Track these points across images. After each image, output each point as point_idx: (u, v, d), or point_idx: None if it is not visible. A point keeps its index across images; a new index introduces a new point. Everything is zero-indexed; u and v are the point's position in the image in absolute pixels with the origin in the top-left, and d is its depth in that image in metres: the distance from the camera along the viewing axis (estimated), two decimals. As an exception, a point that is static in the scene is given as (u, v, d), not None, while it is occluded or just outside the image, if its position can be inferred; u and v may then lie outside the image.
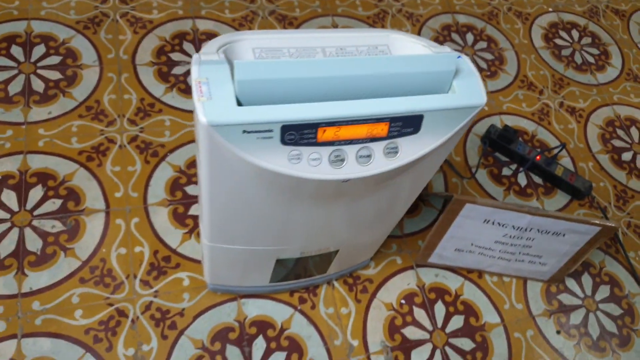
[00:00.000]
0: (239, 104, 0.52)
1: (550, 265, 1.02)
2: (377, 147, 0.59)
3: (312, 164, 0.57)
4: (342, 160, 0.58)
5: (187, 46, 1.21)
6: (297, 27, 1.31)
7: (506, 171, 1.20)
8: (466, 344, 0.97)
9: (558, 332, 1.02)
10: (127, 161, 1.02)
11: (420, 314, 0.98)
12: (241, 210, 0.66)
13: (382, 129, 0.57)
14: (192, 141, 1.08)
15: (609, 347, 1.02)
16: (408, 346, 0.95)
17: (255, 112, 0.51)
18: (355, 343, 0.93)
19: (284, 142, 0.54)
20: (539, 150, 1.23)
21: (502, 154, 1.22)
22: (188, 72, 1.16)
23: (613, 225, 0.93)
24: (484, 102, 0.59)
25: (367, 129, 0.56)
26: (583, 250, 0.98)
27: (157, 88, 1.13)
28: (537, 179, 1.21)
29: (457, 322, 0.99)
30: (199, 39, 1.23)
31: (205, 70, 0.53)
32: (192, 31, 1.23)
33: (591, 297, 1.08)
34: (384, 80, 0.56)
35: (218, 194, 0.63)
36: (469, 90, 0.59)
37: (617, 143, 1.33)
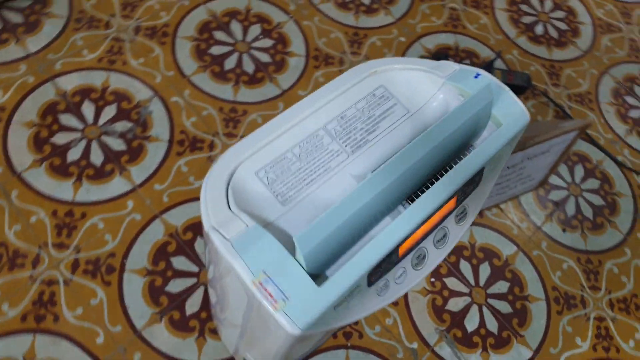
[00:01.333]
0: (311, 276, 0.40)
1: (537, 177, 1.04)
2: (450, 222, 0.50)
3: (398, 281, 0.47)
4: (424, 257, 0.49)
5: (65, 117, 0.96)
6: (174, 36, 1.09)
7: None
8: (502, 286, 0.99)
9: (564, 231, 1.07)
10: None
11: (452, 282, 0.97)
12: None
13: (451, 203, 0.48)
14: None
15: (605, 221, 1.10)
16: (458, 319, 0.94)
17: (339, 282, 0.40)
18: (415, 345, 0.91)
19: (370, 284, 0.44)
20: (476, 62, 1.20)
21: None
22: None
23: (587, 122, 0.94)
24: (529, 118, 0.52)
25: (439, 214, 0.47)
26: (563, 152, 1.00)
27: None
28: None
29: (484, 271, 0.99)
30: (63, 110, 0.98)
31: (252, 257, 0.39)
32: (58, 97, 0.98)
33: (573, 183, 1.13)
34: (434, 151, 0.46)
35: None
36: (509, 111, 0.51)
37: (526, 19, 1.33)
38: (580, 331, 0.97)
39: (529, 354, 0.93)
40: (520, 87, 1.17)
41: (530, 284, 1.00)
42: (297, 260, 0.40)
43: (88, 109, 0.99)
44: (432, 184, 0.46)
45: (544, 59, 1.27)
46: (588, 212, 1.10)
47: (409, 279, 0.48)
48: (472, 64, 1.19)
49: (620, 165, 1.16)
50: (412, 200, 0.46)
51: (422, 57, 1.18)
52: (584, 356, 0.95)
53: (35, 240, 0.87)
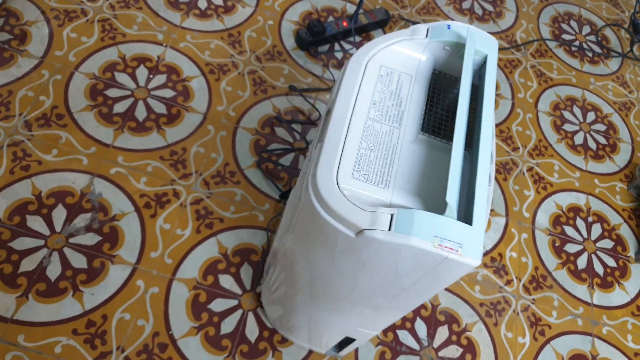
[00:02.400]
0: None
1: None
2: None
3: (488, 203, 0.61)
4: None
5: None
6: (70, 114, 1.03)
7: (322, 48, 1.29)
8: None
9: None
10: None
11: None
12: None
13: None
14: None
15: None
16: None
17: (479, 218, 0.52)
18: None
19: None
20: (342, 18, 1.32)
21: (320, 45, 1.28)
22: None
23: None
24: (497, 42, 0.66)
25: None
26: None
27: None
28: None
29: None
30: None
31: (418, 231, 0.49)
32: None
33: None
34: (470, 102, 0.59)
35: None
36: (485, 42, 0.65)
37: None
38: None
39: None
40: (383, 20, 1.34)
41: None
42: (447, 216, 0.50)
43: (36, 222, 0.92)
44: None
45: (382, -10, 1.45)
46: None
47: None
48: (335, 19, 1.32)
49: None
50: (470, 146, 0.59)
51: (298, 30, 1.27)
52: None
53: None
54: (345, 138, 0.57)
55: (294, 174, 1.10)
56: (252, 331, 0.92)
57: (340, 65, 1.28)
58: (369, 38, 1.35)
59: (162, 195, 1.00)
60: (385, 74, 0.64)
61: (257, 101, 1.16)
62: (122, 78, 1.11)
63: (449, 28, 0.64)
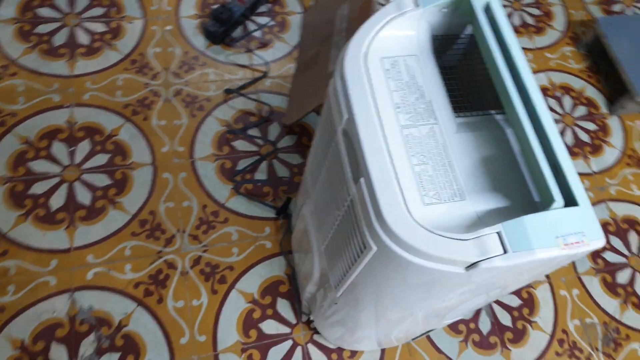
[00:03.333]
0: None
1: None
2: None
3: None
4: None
5: None
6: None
7: (237, 34, 1.14)
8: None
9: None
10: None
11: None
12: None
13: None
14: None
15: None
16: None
17: (581, 195, 0.45)
18: None
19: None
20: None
21: (232, 31, 1.13)
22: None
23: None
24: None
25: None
26: None
27: None
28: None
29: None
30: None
31: (537, 240, 0.42)
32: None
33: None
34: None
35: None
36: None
37: None
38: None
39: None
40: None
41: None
42: (556, 208, 0.43)
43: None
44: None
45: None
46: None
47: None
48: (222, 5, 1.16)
49: None
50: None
51: (203, 24, 1.10)
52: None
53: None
54: (392, 163, 0.48)
55: (277, 183, 0.99)
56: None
57: (264, 44, 1.14)
58: (279, 3, 1.20)
59: (157, 274, 0.87)
60: (391, 66, 0.53)
61: (199, 123, 1.02)
62: (40, 166, 0.92)
63: (438, -15, 0.54)
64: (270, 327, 0.86)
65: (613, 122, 1.24)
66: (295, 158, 1.03)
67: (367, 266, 0.53)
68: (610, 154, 1.19)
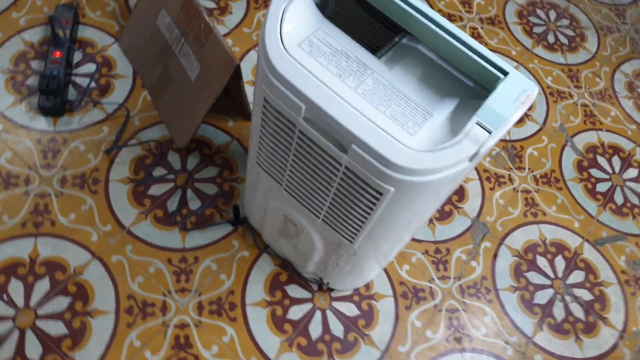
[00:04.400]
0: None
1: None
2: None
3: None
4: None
5: None
6: None
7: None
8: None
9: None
10: None
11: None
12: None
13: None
14: None
15: None
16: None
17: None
18: None
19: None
20: (49, 48, 1.06)
21: (65, 97, 1.04)
22: None
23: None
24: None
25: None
26: None
27: None
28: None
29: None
30: None
31: (502, 105, 0.55)
32: None
33: None
34: None
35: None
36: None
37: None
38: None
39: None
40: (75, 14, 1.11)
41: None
42: (501, 84, 0.56)
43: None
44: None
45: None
46: None
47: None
48: (47, 57, 1.06)
49: None
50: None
51: (34, 103, 1.01)
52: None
53: None
54: (370, 119, 0.56)
55: (212, 200, 1.00)
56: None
57: (105, 89, 1.08)
58: (88, 44, 1.12)
59: (177, 341, 0.86)
60: (309, 46, 0.59)
61: (104, 195, 0.97)
62: None
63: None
64: (295, 312, 0.93)
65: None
66: (210, 171, 1.04)
67: (385, 209, 0.62)
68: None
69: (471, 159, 0.55)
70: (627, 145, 1.29)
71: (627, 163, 1.27)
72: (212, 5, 1.25)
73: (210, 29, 0.93)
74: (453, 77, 0.61)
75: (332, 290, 0.96)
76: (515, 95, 0.55)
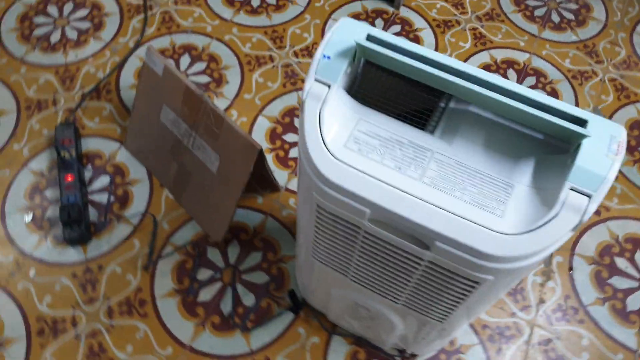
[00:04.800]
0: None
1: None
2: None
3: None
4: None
5: None
6: None
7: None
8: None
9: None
10: None
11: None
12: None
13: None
14: None
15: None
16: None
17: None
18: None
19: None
20: (64, 173, 1.01)
21: (88, 222, 0.99)
22: None
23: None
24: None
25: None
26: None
27: None
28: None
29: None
30: None
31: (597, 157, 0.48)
32: None
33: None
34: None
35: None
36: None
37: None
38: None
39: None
40: (77, 133, 1.06)
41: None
42: (586, 138, 0.49)
43: None
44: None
45: None
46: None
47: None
48: (66, 184, 1.00)
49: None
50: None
51: (49, 231, 0.95)
52: None
53: None
54: (450, 211, 0.49)
55: (265, 291, 0.94)
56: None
57: (125, 200, 1.02)
58: (95, 157, 1.07)
59: None
60: (356, 144, 0.53)
61: (156, 316, 0.91)
62: None
63: (328, 58, 0.53)
64: (386, 391, 0.86)
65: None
66: (254, 257, 0.98)
67: (479, 292, 0.56)
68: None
69: (574, 229, 0.48)
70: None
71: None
72: (207, 79, 1.20)
73: (222, 118, 0.88)
74: (519, 134, 0.55)
75: (415, 355, 0.90)
76: (605, 146, 0.49)
